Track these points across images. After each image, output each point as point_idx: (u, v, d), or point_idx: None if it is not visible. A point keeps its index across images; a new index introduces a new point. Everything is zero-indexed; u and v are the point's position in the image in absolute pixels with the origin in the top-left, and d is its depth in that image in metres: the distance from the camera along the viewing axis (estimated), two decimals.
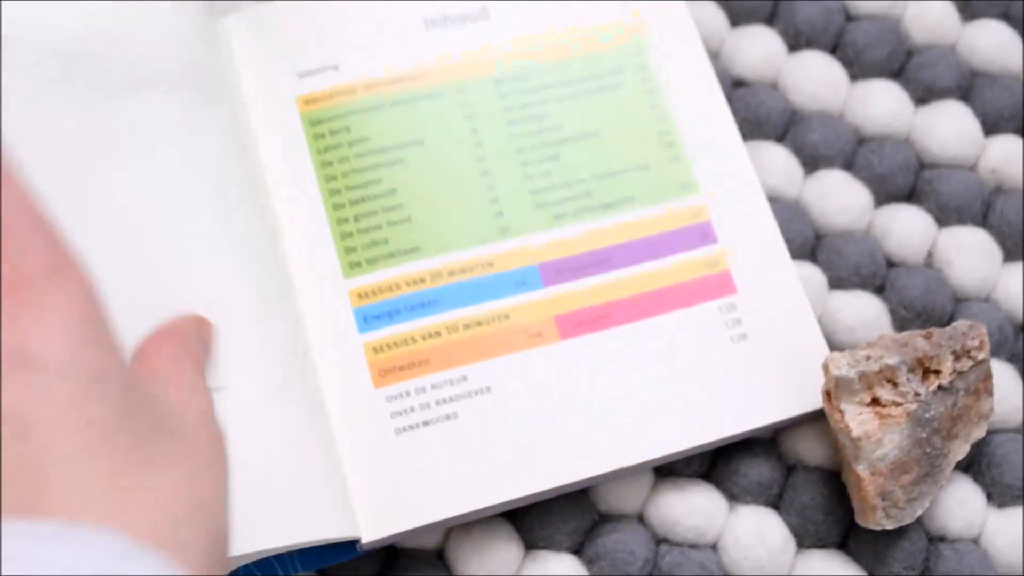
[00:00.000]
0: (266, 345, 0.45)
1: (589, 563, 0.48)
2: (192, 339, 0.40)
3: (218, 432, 0.35)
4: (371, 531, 0.45)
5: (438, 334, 0.47)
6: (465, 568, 0.47)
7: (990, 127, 0.54)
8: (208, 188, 0.46)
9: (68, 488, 0.29)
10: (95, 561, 0.27)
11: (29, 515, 0.29)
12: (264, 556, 0.42)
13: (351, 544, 0.45)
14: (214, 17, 0.50)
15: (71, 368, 0.30)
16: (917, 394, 0.44)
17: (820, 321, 0.51)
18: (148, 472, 0.31)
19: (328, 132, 0.49)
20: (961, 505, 0.49)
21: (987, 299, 0.52)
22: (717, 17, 0.55)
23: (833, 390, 0.45)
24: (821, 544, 0.48)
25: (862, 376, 0.44)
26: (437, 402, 0.47)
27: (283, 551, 0.43)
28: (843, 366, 0.44)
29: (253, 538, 0.42)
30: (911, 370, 0.45)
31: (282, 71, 0.50)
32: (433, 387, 0.47)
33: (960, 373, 0.45)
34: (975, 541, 0.49)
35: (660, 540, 0.48)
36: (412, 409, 0.47)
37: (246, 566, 0.45)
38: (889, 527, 0.45)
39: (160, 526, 0.30)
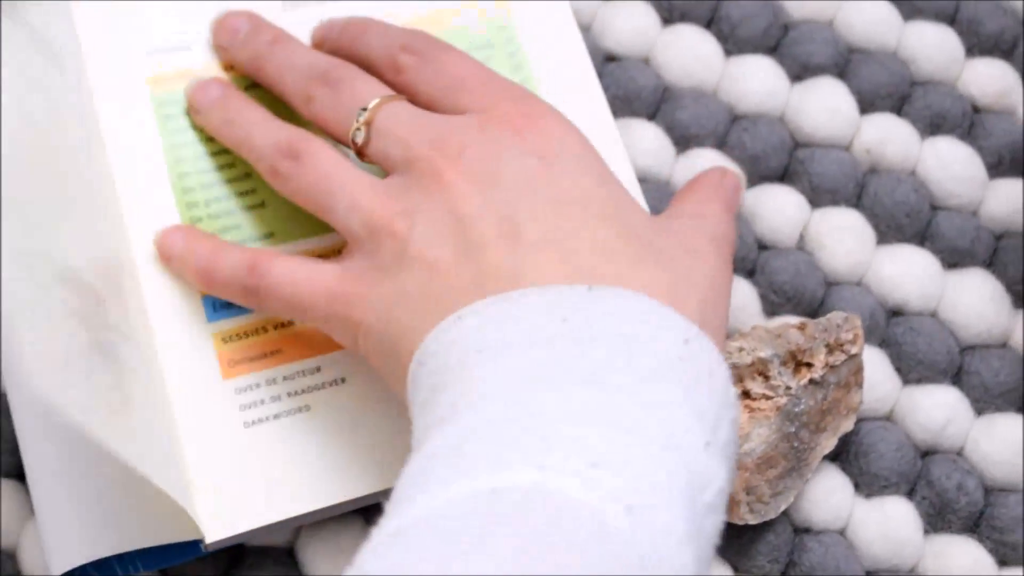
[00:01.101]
0: None
1: None
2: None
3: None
4: (214, 531, 0.43)
5: (291, 323, 0.46)
6: (316, 568, 0.46)
7: (866, 105, 0.54)
8: (48, 153, 0.44)
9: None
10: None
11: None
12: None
13: (195, 543, 0.44)
14: None
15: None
16: (788, 388, 0.45)
17: None
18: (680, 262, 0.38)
19: (177, 113, 0.48)
20: (827, 496, 0.49)
21: (859, 283, 0.52)
22: None
23: None
24: None
25: (734, 368, 0.44)
26: (289, 394, 0.46)
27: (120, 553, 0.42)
28: None
29: (91, 543, 0.41)
30: (783, 363, 0.45)
31: (132, 49, 0.48)
32: (285, 379, 0.46)
33: (832, 367, 0.46)
34: (841, 532, 0.49)
35: None
36: (262, 401, 0.45)
37: (83, 567, 0.43)
38: (752, 522, 0.46)
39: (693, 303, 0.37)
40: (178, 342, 0.45)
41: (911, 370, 0.51)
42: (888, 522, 0.49)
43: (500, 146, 0.39)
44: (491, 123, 0.40)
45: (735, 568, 0.48)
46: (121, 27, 0.49)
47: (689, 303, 0.36)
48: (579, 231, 0.37)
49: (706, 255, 0.39)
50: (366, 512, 0.47)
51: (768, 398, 0.45)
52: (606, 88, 0.53)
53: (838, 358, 0.45)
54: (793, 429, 0.45)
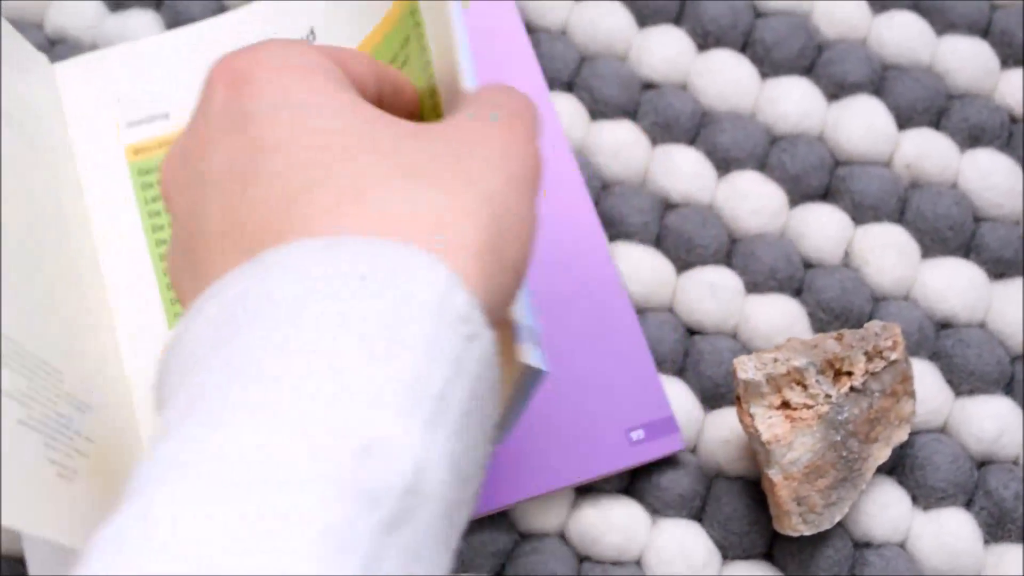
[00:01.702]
0: None
1: None
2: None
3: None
4: None
5: None
6: None
7: (903, 121, 0.55)
8: (22, 234, 0.45)
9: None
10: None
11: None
12: None
13: None
14: (49, 63, 0.51)
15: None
16: (828, 396, 0.45)
17: (737, 327, 0.52)
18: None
19: (156, 182, 0.50)
20: (885, 509, 0.50)
21: (906, 297, 0.53)
22: (625, 18, 0.56)
23: (742, 393, 0.45)
24: (746, 555, 0.49)
25: (770, 379, 0.45)
26: None
27: None
28: (750, 369, 0.45)
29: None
30: (821, 372, 0.46)
31: (111, 120, 0.51)
32: None
33: (873, 374, 0.46)
34: (901, 545, 0.50)
35: (583, 558, 0.49)
36: None
37: None
38: (807, 533, 0.46)
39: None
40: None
41: (962, 381, 0.51)
42: (947, 534, 0.50)
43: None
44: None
45: None
46: (103, 99, 0.51)
47: (465, 230, 0.32)
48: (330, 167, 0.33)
49: (494, 152, 0.34)
50: None
51: (808, 407, 0.46)
52: (646, 115, 0.54)
53: (878, 365, 0.46)
54: (839, 438, 0.46)
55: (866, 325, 0.48)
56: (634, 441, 0.49)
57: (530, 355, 0.34)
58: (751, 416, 0.46)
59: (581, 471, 0.49)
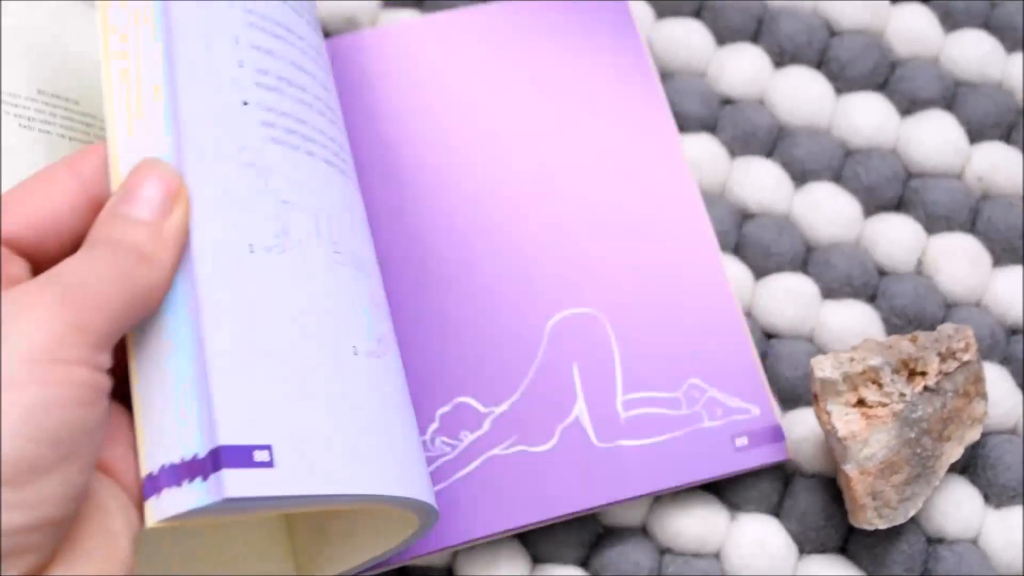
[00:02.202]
0: None
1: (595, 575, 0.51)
2: None
3: None
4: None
5: None
6: None
7: (975, 135, 0.57)
8: None
9: None
10: None
11: None
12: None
13: None
14: None
15: None
16: (903, 395, 0.48)
17: (813, 331, 0.54)
18: None
19: None
20: (958, 507, 0.52)
21: (978, 304, 0.55)
22: (704, 37, 0.59)
23: (819, 391, 0.48)
24: (822, 549, 0.52)
25: (846, 377, 0.48)
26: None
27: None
28: (827, 368, 0.48)
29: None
30: (896, 371, 0.48)
31: None
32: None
33: (946, 374, 0.49)
34: (974, 542, 0.52)
35: (664, 551, 0.52)
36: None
37: None
38: (881, 527, 0.49)
39: None
40: None
41: None
42: (1018, 531, 0.52)
43: None
44: None
45: (871, 575, 0.51)
46: None
47: None
48: None
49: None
50: (523, 537, 0.51)
51: (883, 405, 0.48)
52: (724, 129, 0.57)
53: (951, 366, 0.49)
54: (914, 435, 0.48)
55: (939, 327, 0.50)
56: (737, 448, 0.51)
57: (171, 506, 0.36)
58: (828, 413, 0.48)
59: (685, 474, 0.51)
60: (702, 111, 0.58)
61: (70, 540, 0.34)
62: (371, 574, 0.50)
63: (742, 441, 0.51)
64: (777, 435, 0.51)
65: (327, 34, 0.60)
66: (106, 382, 0.34)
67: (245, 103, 0.41)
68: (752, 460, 0.51)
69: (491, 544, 0.51)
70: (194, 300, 0.37)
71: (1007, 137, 0.58)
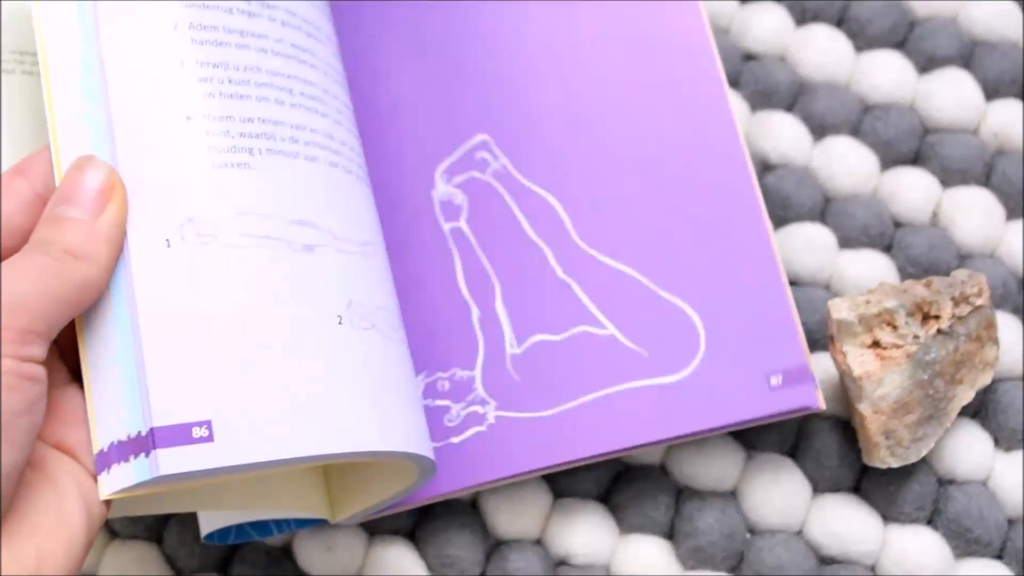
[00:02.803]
0: None
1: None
2: None
3: None
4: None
5: None
6: (501, 525, 0.53)
7: (991, 93, 0.59)
8: None
9: None
10: None
11: None
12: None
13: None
14: None
15: None
16: (916, 337, 0.50)
17: (831, 278, 0.56)
18: None
19: None
20: (969, 449, 0.54)
21: (991, 255, 0.57)
22: None
23: (835, 333, 0.50)
24: (835, 488, 0.54)
25: (862, 319, 0.50)
26: None
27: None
28: (843, 310, 0.50)
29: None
30: (910, 314, 0.50)
31: None
32: None
33: (960, 318, 0.51)
34: (983, 483, 0.54)
35: (682, 489, 0.54)
36: None
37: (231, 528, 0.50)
38: (894, 465, 0.51)
39: None
40: None
41: None
42: None
43: None
44: None
45: (883, 514, 0.53)
46: None
47: None
48: None
49: None
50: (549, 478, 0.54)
51: (898, 347, 0.50)
52: (747, 84, 0.59)
53: (964, 310, 0.51)
54: (926, 377, 0.50)
55: (953, 273, 0.52)
56: (772, 387, 0.53)
57: (118, 480, 0.39)
58: (843, 354, 0.50)
59: (719, 415, 0.51)
60: (725, 66, 0.60)
61: (16, 513, 0.37)
62: (393, 511, 0.52)
63: (777, 379, 0.52)
64: (807, 376, 0.51)
65: None
66: (35, 370, 0.37)
67: (188, 117, 0.43)
68: (786, 401, 0.51)
69: (515, 482, 0.54)
70: (129, 290, 0.40)
71: (1022, 95, 0.59)
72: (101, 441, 0.39)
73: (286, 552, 0.54)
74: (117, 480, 0.38)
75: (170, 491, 0.44)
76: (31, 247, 0.39)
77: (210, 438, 0.38)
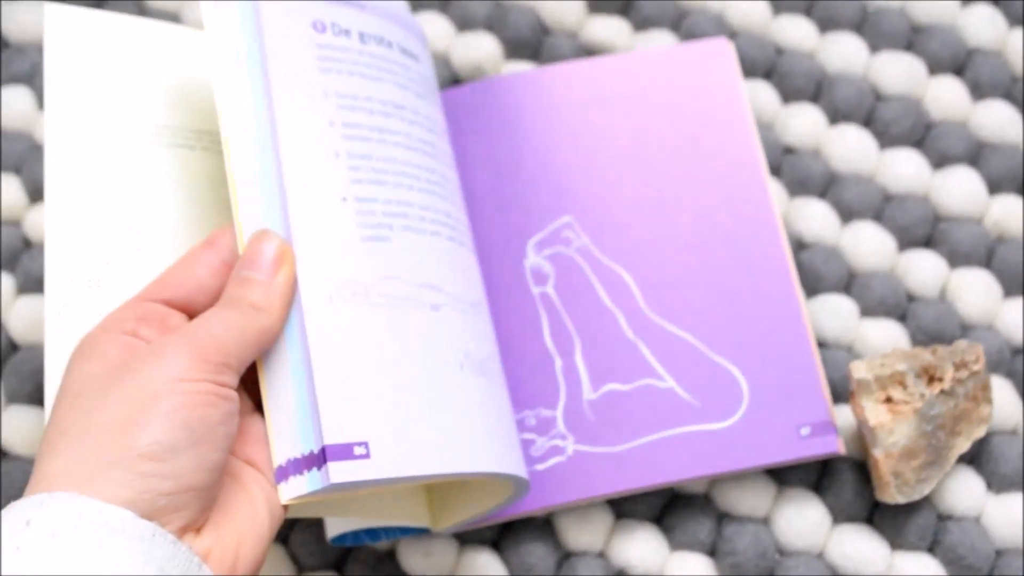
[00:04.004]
0: None
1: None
2: None
3: None
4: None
5: None
6: (573, 540, 0.64)
7: (994, 187, 0.70)
8: None
9: None
10: None
11: None
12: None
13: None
14: None
15: None
16: (923, 395, 0.61)
17: (853, 342, 0.67)
18: None
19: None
20: (965, 491, 0.65)
21: (989, 327, 0.68)
22: (771, 95, 0.72)
23: (856, 389, 0.61)
24: (851, 519, 0.65)
25: (878, 379, 0.61)
26: None
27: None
28: (863, 370, 0.61)
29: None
30: (918, 376, 0.61)
31: None
32: None
33: (960, 381, 0.62)
34: (977, 520, 0.64)
35: (723, 515, 0.65)
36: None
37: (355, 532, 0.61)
38: (902, 501, 0.62)
39: None
40: None
41: None
42: (1013, 513, 0.64)
43: None
44: None
45: (891, 542, 0.64)
46: None
47: (98, 478, 0.44)
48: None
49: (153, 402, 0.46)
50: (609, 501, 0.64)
51: (907, 403, 0.61)
52: (786, 174, 0.70)
53: (963, 374, 0.62)
54: (930, 428, 0.61)
55: (956, 342, 0.63)
56: (802, 436, 0.64)
57: (295, 489, 0.49)
58: (862, 407, 0.61)
59: (757, 457, 0.63)
60: (768, 158, 0.71)
61: (221, 511, 0.48)
62: (483, 524, 0.63)
63: (806, 431, 0.63)
64: (831, 429, 0.63)
65: (457, 80, 0.73)
66: (228, 392, 0.48)
67: (344, 199, 0.54)
68: (813, 449, 0.63)
69: (585, 504, 0.64)
70: (302, 335, 0.51)
71: (1021, 190, 0.70)
72: (279, 458, 0.50)
73: (391, 556, 0.65)
74: (295, 488, 0.49)
75: (322, 501, 0.55)
76: (223, 303, 0.50)
77: (367, 455, 0.49)
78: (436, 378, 0.53)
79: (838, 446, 0.63)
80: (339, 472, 0.48)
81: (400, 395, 0.51)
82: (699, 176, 0.68)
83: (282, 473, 0.50)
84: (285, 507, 0.50)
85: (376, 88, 0.57)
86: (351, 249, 0.53)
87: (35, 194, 0.71)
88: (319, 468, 0.48)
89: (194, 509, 0.46)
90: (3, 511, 0.44)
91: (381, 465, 0.50)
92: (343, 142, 0.55)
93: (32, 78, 0.73)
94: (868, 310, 0.68)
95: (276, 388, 0.51)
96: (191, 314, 0.52)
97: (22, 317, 0.68)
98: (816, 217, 0.70)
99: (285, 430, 0.50)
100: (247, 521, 0.48)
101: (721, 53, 0.70)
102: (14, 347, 0.68)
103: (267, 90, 0.54)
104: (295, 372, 0.50)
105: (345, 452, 0.49)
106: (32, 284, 0.69)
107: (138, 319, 0.50)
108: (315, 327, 0.51)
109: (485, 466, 0.53)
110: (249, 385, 0.52)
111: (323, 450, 0.49)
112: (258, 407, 0.52)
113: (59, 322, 0.54)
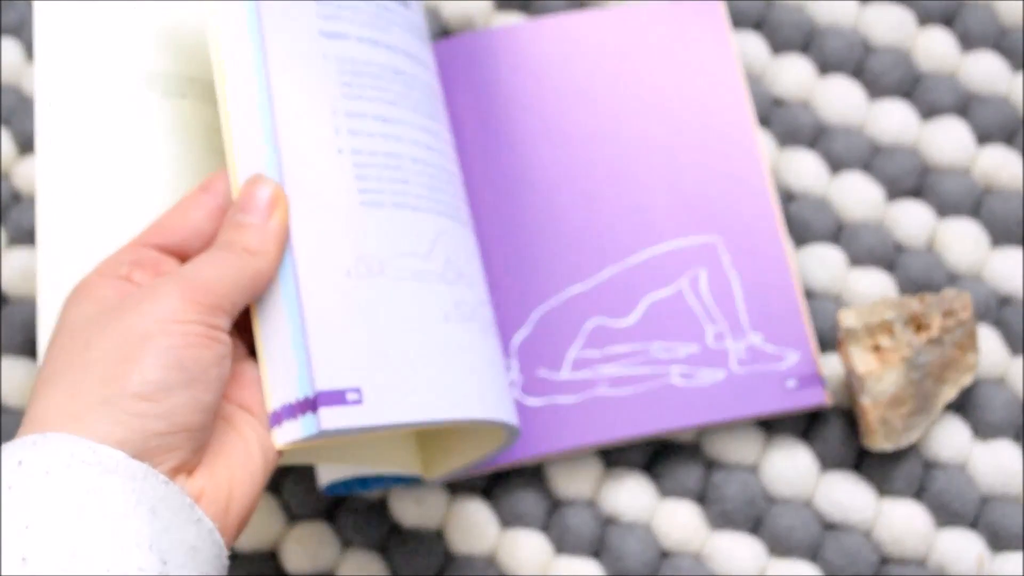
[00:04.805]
0: None
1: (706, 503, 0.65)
2: None
3: None
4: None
5: None
6: (563, 489, 0.65)
7: (982, 139, 0.71)
8: None
9: None
10: None
11: None
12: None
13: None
14: None
15: None
16: (910, 343, 0.62)
17: (841, 292, 0.68)
18: None
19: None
20: (951, 438, 0.66)
21: (977, 277, 0.69)
22: (759, 46, 0.72)
23: (844, 338, 0.62)
24: (839, 466, 0.65)
25: (866, 327, 0.61)
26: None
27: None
28: (851, 319, 0.61)
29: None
30: (906, 324, 0.62)
31: None
32: None
33: (947, 329, 0.62)
34: (962, 467, 0.65)
35: (711, 463, 0.66)
36: None
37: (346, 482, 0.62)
38: (888, 449, 0.62)
39: None
40: None
41: (1017, 344, 0.67)
42: (999, 460, 0.65)
43: None
44: None
45: (878, 489, 0.65)
46: None
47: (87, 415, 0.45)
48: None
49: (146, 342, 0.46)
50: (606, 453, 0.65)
51: (895, 351, 0.62)
52: (775, 125, 0.71)
53: (951, 322, 0.62)
54: (918, 377, 0.62)
55: (943, 291, 0.64)
56: (789, 388, 0.65)
57: (289, 434, 0.50)
58: (850, 355, 0.62)
59: (744, 408, 0.64)
60: (757, 110, 0.71)
61: (214, 453, 0.48)
62: (476, 473, 0.64)
63: (792, 383, 0.65)
64: (817, 381, 0.64)
65: (447, 32, 0.73)
66: (220, 335, 0.48)
67: (340, 151, 0.54)
68: (800, 400, 0.64)
69: (573, 455, 0.65)
70: (295, 281, 0.51)
71: (1009, 141, 0.71)
72: (273, 403, 0.50)
73: (382, 505, 0.65)
74: (288, 433, 0.50)
75: (315, 447, 0.56)
76: (217, 246, 0.51)
77: (360, 401, 0.50)
78: (426, 325, 0.54)
79: (825, 398, 0.64)
80: (332, 418, 0.49)
81: (392, 341, 0.52)
82: (688, 128, 0.69)
83: (276, 418, 0.50)
84: (279, 451, 0.50)
85: (372, 48, 0.58)
86: (345, 196, 0.54)
87: (24, 146, 0.71)
88: (313, 413, 0.49)
89: (186, 450, 0.46)
90: None
91: (374, 411, 0.50)
92: (340, 88, 0.55)
93: (20, 30, 0.73)
94: (856, 260, 0.69)
95: (269, 333, 0.51)
96: (186, 259, 0.52)
97: (12, 269, 0.69)
98: (805, 168, 0.70)
99: (279, 375, 0.51)
100: (240, 464, 0.49)
101: (711, 7, 0.71)
102: (5, 299, 0.69)
103: (261, 35, 0.54)
104: (289, 317, 0.51)
105: (338, 398, 0.49)
106: (22, 236, 0.69)
107: (132, 264, 0.50)
108: (307, 272, 0.51)
109: (477, 413, 0.54)
110: (243, 330, 0.53)
111: (316, 395, 0.49)
112: (252, 352, 0.53)
113: (52, 272, 0.54)
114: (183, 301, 0.47)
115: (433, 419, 0.52)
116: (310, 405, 0.49)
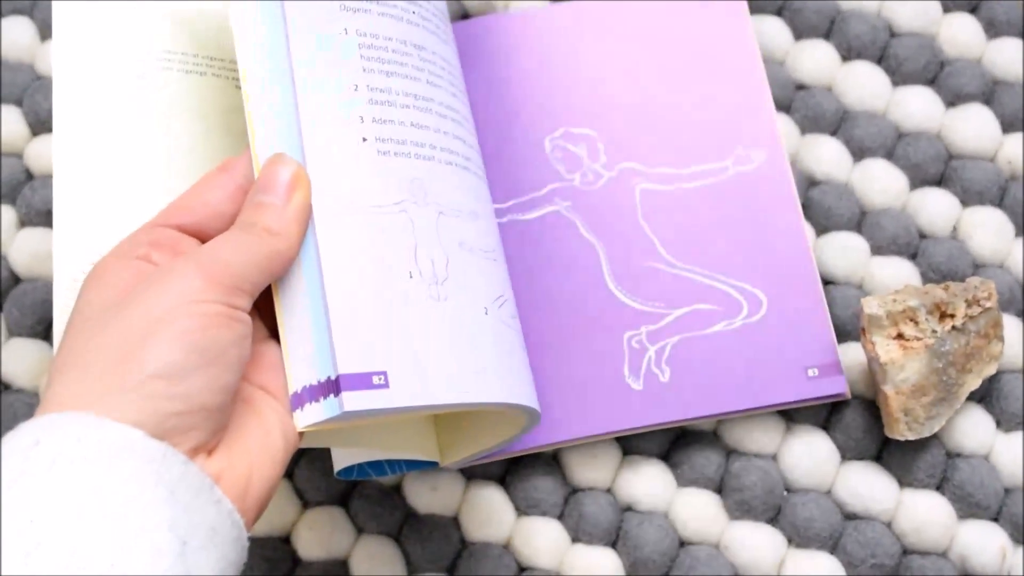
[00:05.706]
0: None
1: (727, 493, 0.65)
2: None
3: None
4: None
5: None
6: (579, 475, 0.64)
7: (1007, 126, 0.70)
8: None
9: None
10: None
11: None
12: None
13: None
14: None
15: None
16: (934, 331, 0.61)
17: (863, 280, 0.68)
18: None
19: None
20: (974, 428, 0.65)
21: (1001, 265, 0.68)
22: (783, 31, 0.72)
23: (866, 325, 0.61)
24: (860, 456, 0.65)
25: (889, 314, 0.61)
26: None
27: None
28: (874, 306, 0.61)
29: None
30: (930, 312, 0.61)
31: None
32: None
33: (971, 317, 0.62)
34: (985, 457, 0.65)
35: (731, 451, 0.65)
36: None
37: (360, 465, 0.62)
38: (911, 438, 0.62)
39: None
40: None
41: None
42: (1021, 451, 0.65)
43: None
44: None
45: (900, 480, 0.64)
46: None
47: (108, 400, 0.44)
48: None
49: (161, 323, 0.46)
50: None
51: (918, 339, 0.61)
52: (797, 110, 0.70)
53: (975, 311, 0.62)
54: (941, 365, 0.61)
55: (968, 279, 0.63)
56: (809, 378, 0.64)
57: (311, 416, 0.49)
58: (872, 343, 0.61)
59: (764, 397, 0.64)
60: (779, 95, 0.71)
61: (234, 435, 0.48)
62: (490, 460, 0.63)
63: (813, 372, 0.64)
64: (837, 370, 0.64)
65: (467, 15, 0.73)
66: (240, 315, 0.48)
67: (362, 130, 0.54)
68: (820, 389, 0.64)
69: (592, 441, 0.65)
70: (317, 262, 0.50)
71: None
72: (295, 384, 0.50)
73: (397, 491, 0.65)
74: (311, 415, 0.49)
75: (336, 429, 0.55)
76: (237, 227, 0.50)
77: (386, 385, 0.49)
78: (450, 309, 0.53)
79: (845, 388, 0.64)
80: (356, 400, 0.49)
81: (416, 324, 0.52)
82: (707, 116, 0.68)
83: (297, 400, 0.50)
84: (300, 434, 0.50)
85: (394, 22, 0.57)
86: (367, 175, 0.53)
87: (37, 126, 0.71)
88: (336, 395, 0.49)
89: (205, 431, 0.46)
90: (12, 432, 0.44)
91: (399, 394, 0.50)
92: (361, 68, 0.55)
93: (33, 9, 0.73)
94: (879, 248, 0.68)
95: (291, 314, 0.51)
96: (204, 239, 0.52)
97: (24, 250, 0.68)
98: (828, 154, 0.70)
99: (301, 357, 0.50)
100: (260, 446, 0.48)
101: (734, 7, 0.70)
102: (16, 280, 0.68)
103: (283, 12, 0.54)
104: (311, 297, 0.50)
105: (363, 381, 0.49)
106: (34, 216, 0.69)
107: (151, 244, 0.50)
108: (329, 252, 0.51)
109: (501, 396, 0.53)
110: (265, 312, 0.52)
111: (339, 377, 0.49)
112: (273, 334, 0.52)
113: (68, 253, 0.54)
114: (203, 281, 0.47)
115: (459, 402, 0.51)
116: (332, 387, 0.49)
